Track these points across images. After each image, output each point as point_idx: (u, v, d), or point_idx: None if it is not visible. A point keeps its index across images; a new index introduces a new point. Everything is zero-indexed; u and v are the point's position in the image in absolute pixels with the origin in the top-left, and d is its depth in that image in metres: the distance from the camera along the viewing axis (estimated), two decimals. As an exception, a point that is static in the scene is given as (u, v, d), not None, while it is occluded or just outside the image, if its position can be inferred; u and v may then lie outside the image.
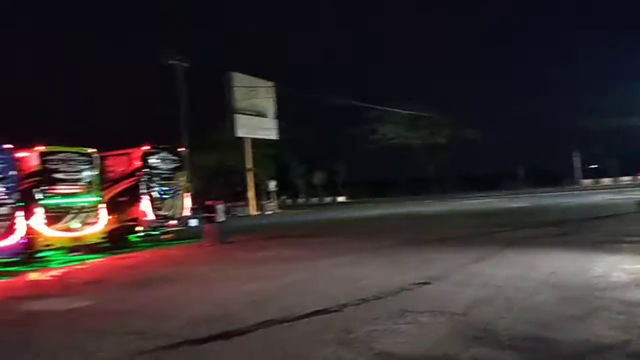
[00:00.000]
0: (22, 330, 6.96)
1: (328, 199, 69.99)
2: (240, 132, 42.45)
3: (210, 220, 16.98)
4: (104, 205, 16.22)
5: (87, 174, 15.75)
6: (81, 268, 13.60)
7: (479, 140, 58.39)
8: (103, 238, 16.05)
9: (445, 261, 10.61)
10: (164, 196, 18.30)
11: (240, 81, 42.14)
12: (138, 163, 17.78)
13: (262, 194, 48.34)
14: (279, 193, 51.80)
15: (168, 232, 18.49)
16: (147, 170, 17.87)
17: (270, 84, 45.08)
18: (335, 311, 6.90)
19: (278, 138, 46.84)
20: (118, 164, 18.14)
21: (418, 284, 8.36)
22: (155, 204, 17.90)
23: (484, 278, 8.58)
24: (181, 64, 36.66)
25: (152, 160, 18.15)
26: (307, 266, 11.18)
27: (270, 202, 47.60)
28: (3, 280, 11.95)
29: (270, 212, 43.71)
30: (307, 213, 39.81)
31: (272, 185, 47.84)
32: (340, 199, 69.74)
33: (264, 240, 18.05)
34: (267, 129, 44.97)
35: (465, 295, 7.44)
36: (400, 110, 53.74)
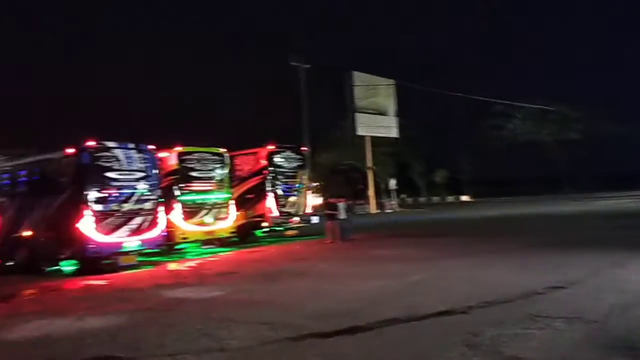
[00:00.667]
0: (167, 315, 7.58)
1: (450, 198, 68.13)
2: (361, 131, 42.70)
3: (332, 217, 17.29)
4: (233, 201, 17.18)
5: (219, 172, 16.77)
6: (213, 260, 14.53)
7: (621, 136, 53.35)
8: (232, 232, 17.01)
9: (580, 265, 9.90)
10: (288, 194, 18.97)
11: (361, 80, 42.42)
12: (264, 162, 18.61)
13: (382, 192, 48.29)
14: (399, 191, 51.41)
15: (291, 228, 19.13)
16: (272, 168, 18.65)
17: (390, 81, 44.88)
18: (461, 313, 6.73)
19: (398, 136, 46.49)
20: (246, 162, 19.12)
21: (550, 287, 7.88)
22: (280, 201, 18.62)
23: (623, 284, 7.91)
24: (303, 65, 37.69)
25: (277, 159, 18.89)
26: (430, 266, 11.00)
27: (391, 200, 47.41)
28: (148, 269, 13.12)
29: (390, 211, 43.57)
30: (428, 212, 39.12)
31: (393, 183, 47.59)
32: (464, 198, 67.58)
33: (385, 239, 18.04)
34: (387, 127, 44.81)
35: (603, 301, 6.90)
36: (529, 105, 50.82)
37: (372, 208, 44.04)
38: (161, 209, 13.88)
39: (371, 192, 44.99)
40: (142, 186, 13.41)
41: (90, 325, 7.17)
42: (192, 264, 13.95)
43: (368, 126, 42.92)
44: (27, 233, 13.28)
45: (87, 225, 12.25)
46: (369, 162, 44.67)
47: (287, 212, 18.80)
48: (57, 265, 13.20)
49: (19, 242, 13.28)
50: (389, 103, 45.17)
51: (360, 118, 42.29)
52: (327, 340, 5.83)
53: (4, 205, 13.49)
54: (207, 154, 16.65)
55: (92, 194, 12.44)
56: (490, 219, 27.10)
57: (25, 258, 13.31)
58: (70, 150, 12.81)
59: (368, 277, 10.05)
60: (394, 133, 45.92)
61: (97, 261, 12.69)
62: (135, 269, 12.96)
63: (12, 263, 13.41)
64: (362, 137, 43.86)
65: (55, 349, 6.11)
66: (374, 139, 44.91)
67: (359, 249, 15.44)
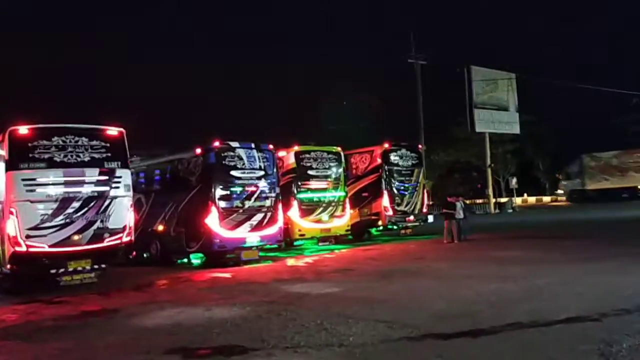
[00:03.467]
0: (287, 309, 7.81)
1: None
2: (480, 127, 41.11)
3: (450, 217, 16.84)
4: (349, 199, 17.34)
5: (335, 170, 17.02)
6: (330, 257, 14.76)
7: None
8: (347, 230, 17.18)
9: None
10: (403, 192, 18.78)
11: (480, 74, 40.86)
12: (379, 160, 18.57)
13: (502, 191, 46.16)
14: (520, 190, 48.85)
15: (407, 227, 18.92)
16: (388, 167, 18.55)
17: (511, 75, 42.76)
18: (594, 320, 6.24)
19: (520, 132, 44.16)
20: (361, 161, 19.21)
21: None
22: (395, 199, 18.48)
23: None
24: (418, 62, 37.08)
25: (393, 158, 18.77)
26: (556, 269, 10.32)
27: (511, 199, 45.20)
28: (267, 264, 13.65)
29: (511, 211, 41.53)
30: (552, 212, 36.77)
31: (514, 182, 45.31)
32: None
33: (505, 240, 17.21)
34: (508, 123, 42.74)
35: None
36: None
37: (492, 208, 42.27)
38: (280, 206, 14.36)
39: (491, 191, 43.19)
40: (262, 184, 13.97)
41: (217, 315, 7.60)
42: (309, 260, 14.28)
43: (487, 122, 41.22)
44: (160, 227, 14.38)
45: (213, 221, 13.00)
46: (488, 160, 42.90)
47: (402, 211, 18.62)
48: (187, 257, 14.16)
49: (153, 236, 14.42)
50: (510, 98, 43.05)
51: (479, 114, 40.72)
52: (447, 341, 5.68)
53: (140, 202, 14.69)
54: (323, 153, 16.96)
55: (218, 192, 13.18)
56: (625, 220, 24.83)
57: (158, 250, 14.43)
58: (199, 151, 13.67)
59: (488, 278, 9.65)
60: (515, 129, 43.68)
61: (222, 255, 13.43)
62: (256, 263, 13.53)
63: (147, 255, 14.59)
64: (481, 133, 42.22)
65: (187, 337, 6.53)
66: (494, 136, 43.04)
67: (478, 249, 14.89)
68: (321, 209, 16.44)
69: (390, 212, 18.30)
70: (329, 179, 16.89)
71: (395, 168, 18.77)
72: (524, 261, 11.69)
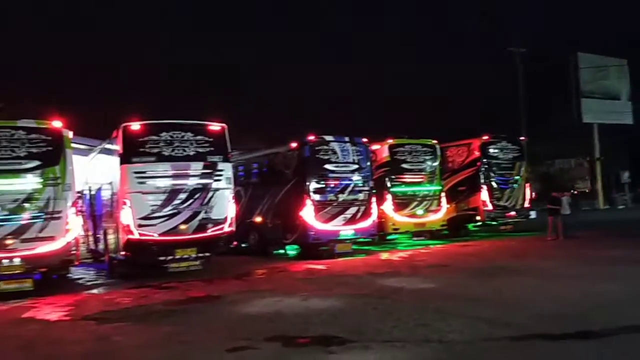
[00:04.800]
0: (383, 302, 7.80)
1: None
2: (587, 118, 38.56)
3: (555, 213, 15.96)
4: (444, 194, 16.93)
5: (430, 164, 16.67)
6: (425, 252, 14.52)
7: None
8: (443, 225, 16.79)
9: None
10: (503, 186, 18.04)
11: (587, 61, 38.30)
12: (477, 153, 17.95)
13: (612, 186, 43.03)
14: (634, 185, 45.28)
15: (507, 223, 18.15)
16: (487, 160, 17.89)
17: (622, 61, 39.69)
18: None
19: (633, 123, 40.91)
20: (458, 154, 18.66)
21: None
22: (494, 194, 17.79)
23: None
24: (519, 49, 35.39)
25: (492, 150, 18.07)
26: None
27: (623, 195, 42.02)
28: (361, 257, 13.68)
29: (622, 207, 38.67)
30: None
31: (625, 176, 42.08)
32: None
33: (615, 238, 16.03)
34: (619, 113, 39.73)
35: None
36: None
37: (601, 203, 39.58)
38: (374, 200, 14.33)
39: (599, 185, 40.43)
40: (356, 178, 14.01)
41: (314, 306, 7.74)
42: (403, 254, 14.13)
43: (596, 112, 38.57)
44: (258, 219, 14.85)
45: (308, 214, 13.23)
46: (597, 152, 40.15)
47: (502, 206, 17.90)
48: (283, 248, 14.53)
49: (251, 227, 14.92)
50: (622, 86, 40.00)
51: (586, 103, 38.23)
52: (555, 343, 5.40)
53: (239, 194, 15.26)
54: (418, 146, 16.67)
55: (313, 185, 13.39)
56: None
57: (256, 241, 14.91)
58: (294, 145, 13.95)
59: (596, 278, 9.06)
60: (627, 119, 40.55)
61: (317, 247, 13.65)
62: (350, 256, 13.60)
63: (245, 245, 15.14)
64: (589, 124, 39.58)
65: (286, 325, 6.71)
66: (603, 127, 40.19)
67: (585, 247, 14.00)
68: (416, 203, 16.19)
69: (490, 207, 17.64)
70: (424, 173, 16.58)
71: (495, 161, 18.04)
72: (634, 261, 10.84)
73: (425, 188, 16.48)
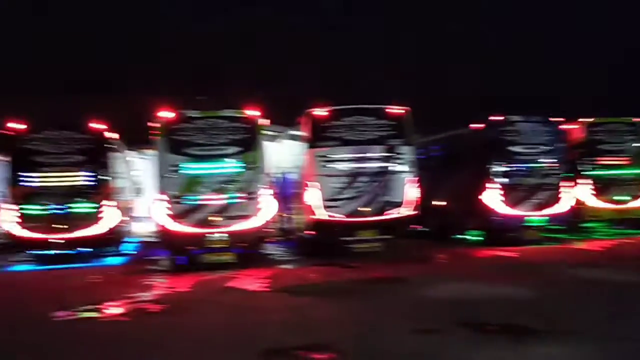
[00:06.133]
0: (578, 294, 7.22)
1: None
2: None
3: None
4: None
5: (634, 145, 14.83)
6: (628, 242, 13.04)
7: None
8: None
9: None
10: None
11: None
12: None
13: None
14: None
15: None
16: None
17: None
18: None
19: None
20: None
21: None
22: None
23: None
24: None
25: None
26: None
27: None
28: (552, 245, 12.75)
29: None
30: None
31: None
32: None
33: None
34: None
35: None
36: None
37: None
38: (566, 184, 13.22)
39: None
40: (545, 160, 13.04)
41: (501, 293, 7.45)
42: (601, 244, 12.85)
43: None
44: (437, 203, 14.63)
45: (492, 198, 12.68)
46: None
47: None
48: (463, 234, 14.15)
49: (430, 211, 14.74)
50: None
51: None
52: None
53: (420, 177, 15.17)
54: (619, 125, 14.92)
55: (497, 168, 12.78)
56: None
57: (436, 225, 14.73)
58: (477, 126, 13.43)
59: None
60: None
61: (502, 233, 13.02)
62: (538, 244, 12.74)
63: (425, 229, 15.04)
64: None
65: (472, 312, 6.57)
66: None
67: None
68: (616, 187, 14.54)
69: None
70: (627, 155, 14.80)
71: None
72: None
73: (627, 171, 14.72)
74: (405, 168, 11.44)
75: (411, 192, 11.46)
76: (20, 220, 11.62)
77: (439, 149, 15.44)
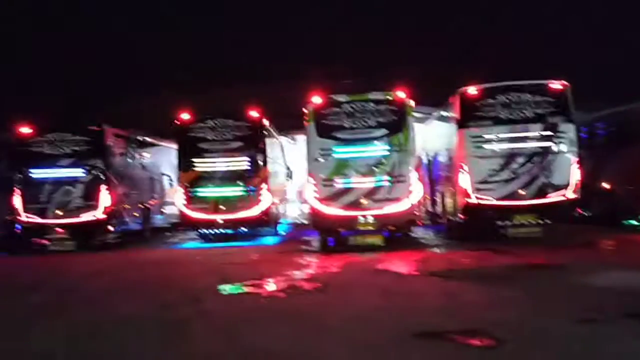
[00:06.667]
0: None
1: None
2: None
3: None
4: None
5: None
6: None
7: None
8: None
9: None
10: None
11: None
12: None
13: None
14: None
15: None
16: None
17: None
18: None
19: None
20: None
21: None
22: None
23: None
24: None
25: None
26: None
27: None
28: None
29: None
30: None
31: None
32: None
33: None
34: None
35: None
36: None
37: None
38: None
39: None
40: None
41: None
42: None
43: None
44: (604, 185, 13.32)
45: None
46: None
47: None
48: (636, 219, 12.74)
49: (596, 193, 13.46)
50: None
51: None
52: None
53: (583, 157, 13.94)
54: None
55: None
56: None
57: (601, 209, 13.42)
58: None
59: None
60: None
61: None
62: None
63: (589, 213, 13.78)
64: None
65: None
66: None
67: None
68: None
69: None
70: None
71: None
72: None
73: None
74: (567, 148, 10.57)
75: (573, 173, 10.57)
76: (188, 202, 12.81)
77: (606, 126, 13.98)
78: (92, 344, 5.35)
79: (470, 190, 10.67)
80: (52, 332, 5.81)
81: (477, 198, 10.64)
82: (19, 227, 12.86)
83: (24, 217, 12.65)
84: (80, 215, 12.59)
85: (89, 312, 6.74)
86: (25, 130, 12.91)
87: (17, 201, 12.66)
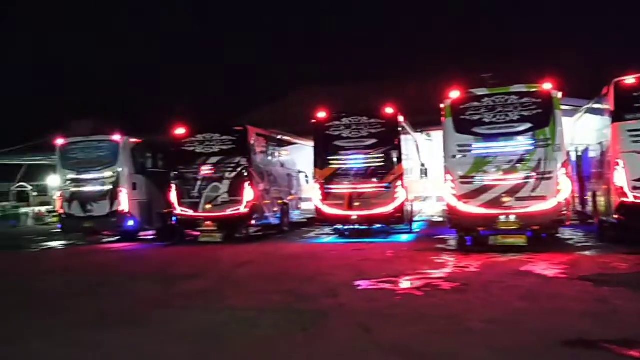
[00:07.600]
0: None
1: None
2: None
3: None
4: None
5: None
6: None
7: None
8: None
9: None
10: None
11: None
12: None
13: None
14: None
15: None
16: None
17: None
18: None
19: None
20: None
21: None
22: None
23: None
24: None
25: None
26: None
27: None
28: None
29: None
30: None
31: None
32: None
33: None
34: None
35: None
36: None
37: None
38: None
39: None
40: None
41: None
42: None
43: None
44: None
45: None
46: None
47: None
48: None
49: None
50: None
51: None
52: None
53: None
54: None
55: None
56: None
57: None
58: None
59: None
60: None
61: None
62: None
63: None
64: None
65: None
66: None
67: None
68: None
69: None
70: None
71: None
72: None
73: None
74: None
75: None
76: (324, 198, 13.14)
77: None
78: (251, 330, 5.73)
79: (626, 189, 9.70)
80: (211, 317, 6.32)
81: (635, 197, 9.64)
82: (175, 219, 14.14)
83: (179, 210, 13.88)
84: (227, 209, 13.50)
85: (243, 300, 7.20)
86: (180, 131, 14.11)
87: (173, 196, 13.91)
